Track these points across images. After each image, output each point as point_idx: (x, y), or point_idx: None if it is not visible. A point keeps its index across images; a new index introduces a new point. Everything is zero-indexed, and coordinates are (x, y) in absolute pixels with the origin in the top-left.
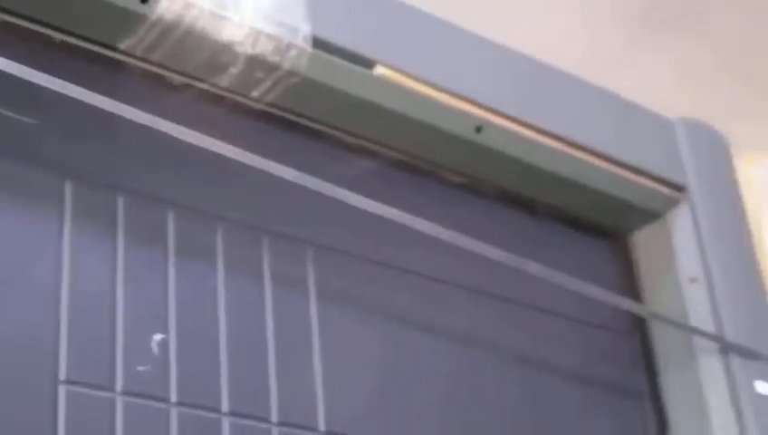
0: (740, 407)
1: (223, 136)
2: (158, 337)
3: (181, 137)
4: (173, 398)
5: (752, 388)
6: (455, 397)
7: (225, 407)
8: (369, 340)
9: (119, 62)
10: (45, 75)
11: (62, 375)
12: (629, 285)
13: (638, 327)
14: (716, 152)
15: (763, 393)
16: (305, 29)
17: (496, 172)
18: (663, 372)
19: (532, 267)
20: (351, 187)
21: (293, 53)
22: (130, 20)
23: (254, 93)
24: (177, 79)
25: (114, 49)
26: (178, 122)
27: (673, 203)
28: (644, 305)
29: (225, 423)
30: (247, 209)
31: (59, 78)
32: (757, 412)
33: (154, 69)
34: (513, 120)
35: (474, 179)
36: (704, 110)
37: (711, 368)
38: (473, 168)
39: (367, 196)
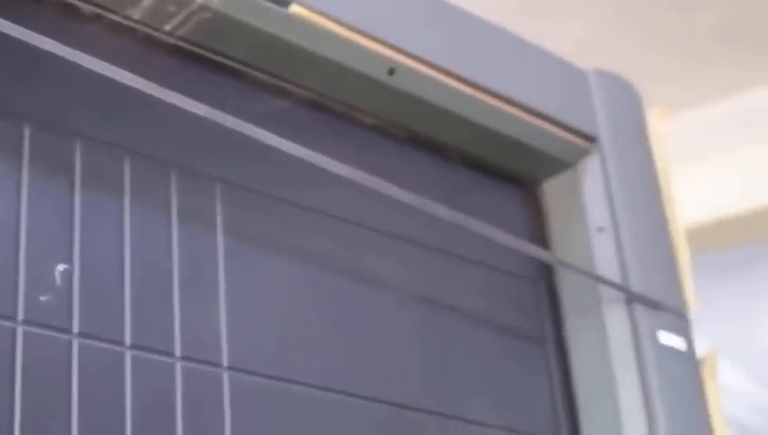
0: (642, 356)
1: (134, 69)
2: (61, 267)
3: (92, 67)
4: (75, 329)
5: (655, 338)
6: (361, 338)
7: (127, 340)
8: (276, 279)
9: None
10: None
11: None
12: (538, 232)
13: (546, 275)
14: (629, 105)
15: (665, 344)
16: None
17: (408, 115)
18: (568, 321)
19: (443, 211)
20: (263, 125)
21: None
22: None
23: (167, 27)
24: (89, 9)
25: None
26: (89, 54)
27: (584, 153)
28: (551, 253)
29: (128, 356)
30: (156, 143)
31: None
32: (659, 362)
33: None
34: (427, 63)
35: (386, 122)
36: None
37: (615, 317)
38: (385, 110)
39: (278, 134)
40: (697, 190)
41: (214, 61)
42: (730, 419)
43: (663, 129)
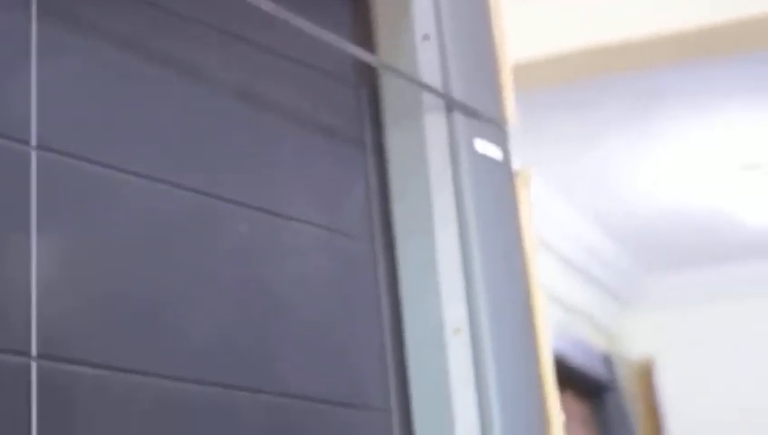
0: (459, 162)
1: None
2: None
3: None
4: None
5: (471, 145)
6: (174, 127)
7: None
8: (89, 64)
9: None
10: None
11: None
12: (365, 38)
13: (369, 81)
14: None
15: (480, 152)
16: None
17: None
18: (389, 126)
19: (266, 5)
20: None
21: None
22: None
23: None
24: None
25: None
26: None
27: None
28: (376, 57)
29: None
30: None
31: None
32: (473, 169)
33: None
34: None
35: None
36: None
37: (435, 123)
38: None
39: None
40: (541, 26)
41: None
42: (559, 252)
43: None
